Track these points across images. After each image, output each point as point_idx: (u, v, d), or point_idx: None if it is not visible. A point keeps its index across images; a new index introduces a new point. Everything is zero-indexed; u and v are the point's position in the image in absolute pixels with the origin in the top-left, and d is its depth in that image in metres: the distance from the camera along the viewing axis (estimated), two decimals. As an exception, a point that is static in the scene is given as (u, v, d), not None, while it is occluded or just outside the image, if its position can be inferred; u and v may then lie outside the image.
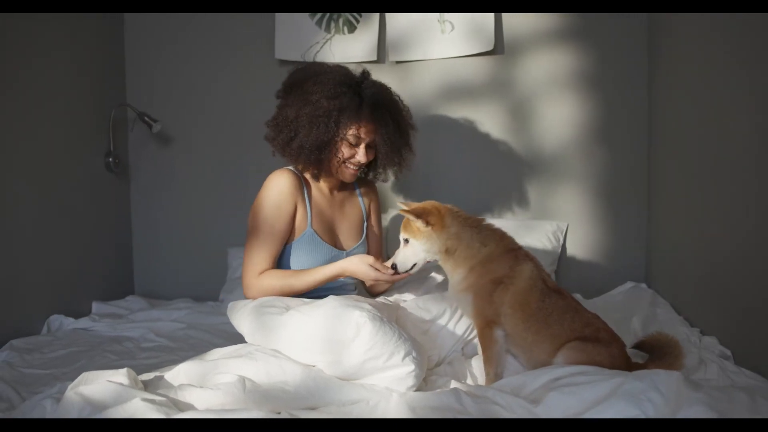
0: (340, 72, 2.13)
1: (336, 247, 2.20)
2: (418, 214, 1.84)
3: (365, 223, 2.34)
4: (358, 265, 1.98)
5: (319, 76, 2.08)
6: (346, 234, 2.27)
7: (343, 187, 2.32)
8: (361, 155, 2.13)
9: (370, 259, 1.98)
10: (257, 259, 2.07)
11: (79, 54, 2.93)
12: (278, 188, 2.09)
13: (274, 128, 2.15)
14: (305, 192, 2.16)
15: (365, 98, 2.09)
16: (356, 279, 2.24)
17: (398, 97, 2.25)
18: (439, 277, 2.30)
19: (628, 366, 1.75)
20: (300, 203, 2.13)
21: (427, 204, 1.90)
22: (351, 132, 2.08)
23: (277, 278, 2.05)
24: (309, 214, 2.14)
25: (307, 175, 2.22)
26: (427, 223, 1.85)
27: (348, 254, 2.19)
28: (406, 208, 1.87)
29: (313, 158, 2.09)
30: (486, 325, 1.82)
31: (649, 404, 1.35)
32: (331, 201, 2.25)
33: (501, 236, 1.94)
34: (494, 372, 1.81)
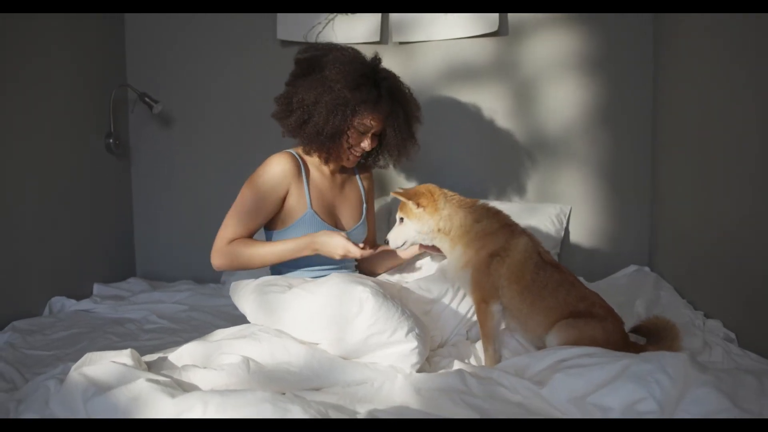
0: (358, 59, 2.12)
1: (337, 227, 2.19)
2: (410, 196, 1.90)
3: (364, 205, 2.34)
4: (327, 244, 1.99)
5: (341, 64, 2.06)
6: (346, 215, 2.27)
7: (344, 169, 2.32)
8: (366, 143, 2.15)
9: (343, 234, 2.01)
10: (233, 228, 2.08)
11: (79, 35, 2.91)
12: (275, 170, 2.09)
13: (286, 108, 2.15)
14: (304, 175, 2.15)
15: (383, 90, 2.11)
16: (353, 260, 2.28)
17: (408, 88, 2.26)
18: (438, 261, 2.29)
19: (625, 342, 1.77)
20: (296, 187, 2.13)
21: (421, 187, 1.96)
22: (365, 122, 2.10)
23: (243, 245, 2.07)
24: (307, 195, 2.13)
25: (307, 158, 2.21)
26: (419, 205, 1.90)
27: (348, 235, 2.19)
28: (400, 190, 1.94)
29: (326, 144, 2.09)
30: (483, 299, 1.85)
31: (656, 386, 1.34)
32: (332, 183, 2.26)
33: (495, 213, 1.97)
34: (492, 348, 1.84)
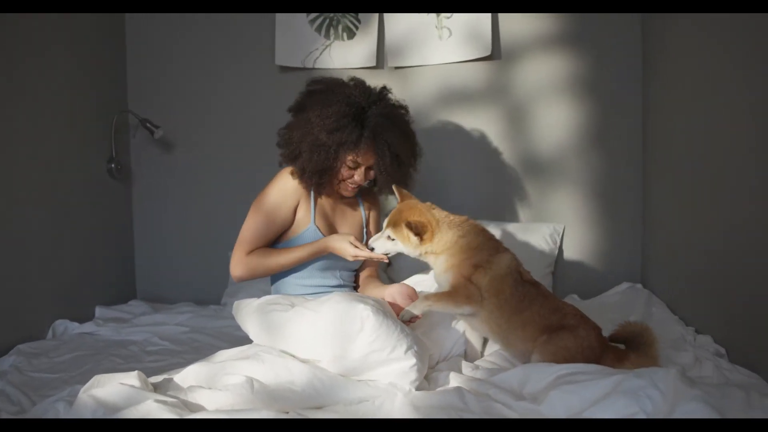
0: (348, 97, 2.12)
1: None
2: (417, 231, 1.94)
3: (365, 229, 2.40)
4: (339, 241, 2.06)
5: (321, 107, 2.10)
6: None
7: None
8: (359, 177, 2.20)
9: (351, 237, 2.07)
10: (248, 241, 2.16)
11: (81, 61, 2.97)
12: (285, 184, 2.18)
13: (282, 141, 2.23)
14: (312, 192, 2.22)
15: (367, 128, 2.11)
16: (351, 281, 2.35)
17: (408, 120, 2.28)
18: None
19: (601, 346, 1.84)
20: (304, 201, 2.21)
21: (423, 218, 1.98)
22: (350, 158, 2.15)
23: (262, 255, 2.15)
24: (312, 211, 2.20)
25: None
26: (421, 239, 1.95)
27: None
28: (405, 211, 1.99)
29: (314, 180, 2.15)
30: (466, 277, 1.92)
31: (647, 401, 1.39)
32: (335, 204, 2.32)
33: (482, 230, 2.04)
34: (431, 303, 1.91)
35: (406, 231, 1.94)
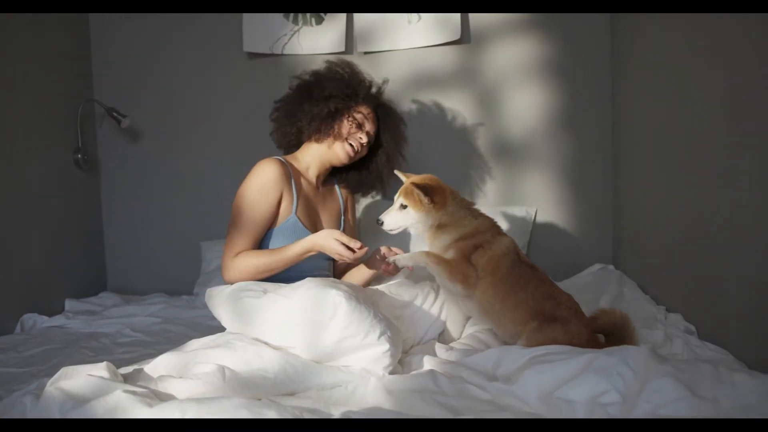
0: (353, 75, 2.35)
1: None
2: (427, 191, 1.92)
3: (342, 217, 2.41)
4: (326, 238, 2.02)
5: (325, 82, 2.29)
6: (326, 224, 2.34)
7: (326, 181, 2.41)
8: (362, 136, 2.28)
9: (337, 233, 2.02)
10: (237, 241, 2.11)
11: (45, 49, 2.90)
12: (265, 175, 2.14)
13: (289, 97, 2.34)
14: (292, 181, 2.19)
15: (371, 102, 2.34)
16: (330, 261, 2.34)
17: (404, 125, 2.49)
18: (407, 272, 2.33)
19: (591, 345, 1.80)
20: (286, 191, 2.17)
21: (433, 181, 2.00)
22: (360, 111, 2.26)
23: (252, 257, 2.09)
24: (295, 201, 2.18)
25: (294, 165, 2.28)
26: (432, 201, 1.93)
27: None
28: (417, 180, 1.98)
29: (328, 122, 2.23)
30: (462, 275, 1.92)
31: (619, 378, 1.40)
32: (316, 192, 2.32)
33: (487, 217, 2.05)
34: (430, 257, 1.94)
35: (417, 193, 1.92)
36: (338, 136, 2.25)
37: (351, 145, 2.26)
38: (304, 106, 2.26)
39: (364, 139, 2.29)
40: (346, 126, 2.24)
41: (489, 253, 1.92)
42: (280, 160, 2.20)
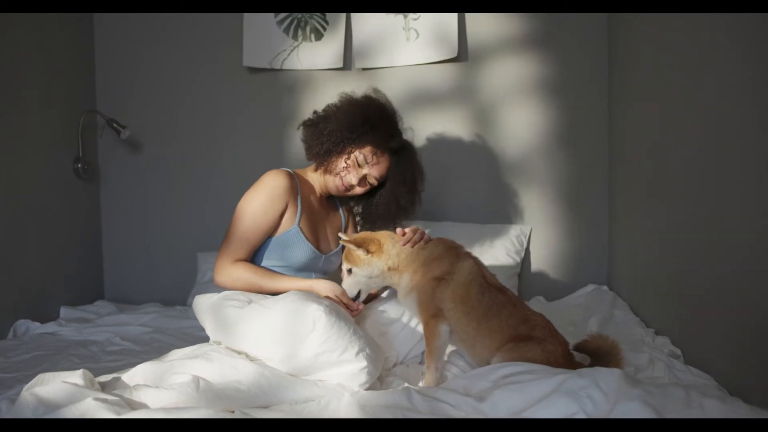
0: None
1: (318, 248, 2.25)
2: (359, 244, 1.94)
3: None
4: (327, 291, 2.03)
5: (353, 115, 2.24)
6: (327, 239, 2.34)
7: (330, 198, 2.41)
8: (354, 177, 2.22)
9: (339, 290, 2.02)
10: (235, 247, 2.12)
11: (48, 60, 2.95)
12: (272, 187, 2.14)
13: (318, 118, 2.30)
14: (299, 194, 2.22)
15: (393, 142, 2.26)
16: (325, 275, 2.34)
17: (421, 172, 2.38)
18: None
19: (568, 362, 1.80)
20: (291, 203, 2.18)
21: (365, 234, 2.02)
22: (363, 152, 2.20)
23: (249, 272, 2.10)
24: (299, 213, 2.19)
25: (301, 177, 2.30)
26: (368, 251, 1.94)
27: (326, 258, 2.27)
28: (347, 238, 1.97)
29: (324, 157, 2.21)
30: (431, 317, 1.88)
31: (588, 401, 1.39)
32: (320, 205, 2.33)
33: (439, 239, 2.02)
34: (435, 366, 1.86)
35: (354, 252, 1.94)
36: (329, 171, 2.25)
37: (342, 180, 2.24)
38: (309, 132, 2.28)
39: (355, 181, 2.24)
40: (340, 163, 2.22)
41: (452, 284, 1.88)
42: (288, 173, 2.21)
